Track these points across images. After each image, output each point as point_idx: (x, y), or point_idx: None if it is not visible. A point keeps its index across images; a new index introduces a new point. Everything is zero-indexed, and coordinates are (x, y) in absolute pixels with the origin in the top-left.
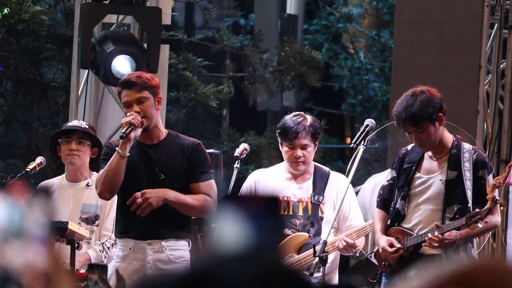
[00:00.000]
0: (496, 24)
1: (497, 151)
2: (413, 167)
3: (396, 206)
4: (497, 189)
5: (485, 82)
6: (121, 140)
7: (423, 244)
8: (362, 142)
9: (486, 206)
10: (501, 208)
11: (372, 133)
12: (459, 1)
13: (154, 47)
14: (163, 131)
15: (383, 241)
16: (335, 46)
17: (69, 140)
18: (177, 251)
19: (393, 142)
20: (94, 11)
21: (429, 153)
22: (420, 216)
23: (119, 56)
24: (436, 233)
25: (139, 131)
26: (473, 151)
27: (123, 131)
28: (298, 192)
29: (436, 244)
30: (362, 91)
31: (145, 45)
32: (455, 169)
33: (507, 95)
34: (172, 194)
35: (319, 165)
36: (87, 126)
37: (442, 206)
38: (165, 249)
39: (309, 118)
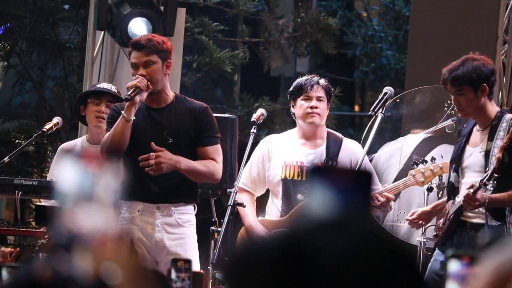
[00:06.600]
0: None
1: None
2: (463, 140)
3: (450, 179)
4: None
5: (502, 53)
6: (126, 104)
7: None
8: (380, 110)
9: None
10: None
11: (390, 101)
12: None
13: (171, 10)
14: (171, 95)
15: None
16: (348, 13)
17: (99, 102)
18: (185, 215)
19: (408, 112)
20: None
21: (477, 126)
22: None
23: (136, 18)
24: (466, 190)
25: (144, 94)
26: (511, 121)
27: (128, 93)
28: (311, 157)
29: (470, 202)
30: (375, 59)
31: (162, 8)
32: (493, 139)
33: None
34: (183, 163)
35: (331, 131)
36: (116, 91)
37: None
38: (174, 212)
39: (321, 78)
